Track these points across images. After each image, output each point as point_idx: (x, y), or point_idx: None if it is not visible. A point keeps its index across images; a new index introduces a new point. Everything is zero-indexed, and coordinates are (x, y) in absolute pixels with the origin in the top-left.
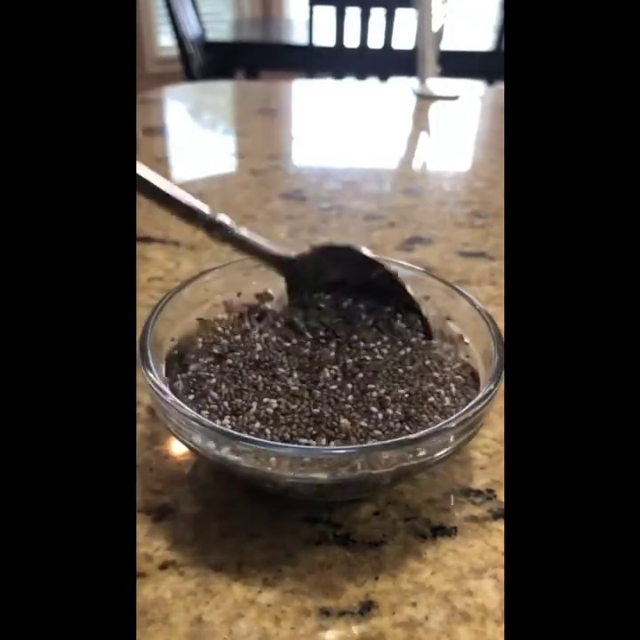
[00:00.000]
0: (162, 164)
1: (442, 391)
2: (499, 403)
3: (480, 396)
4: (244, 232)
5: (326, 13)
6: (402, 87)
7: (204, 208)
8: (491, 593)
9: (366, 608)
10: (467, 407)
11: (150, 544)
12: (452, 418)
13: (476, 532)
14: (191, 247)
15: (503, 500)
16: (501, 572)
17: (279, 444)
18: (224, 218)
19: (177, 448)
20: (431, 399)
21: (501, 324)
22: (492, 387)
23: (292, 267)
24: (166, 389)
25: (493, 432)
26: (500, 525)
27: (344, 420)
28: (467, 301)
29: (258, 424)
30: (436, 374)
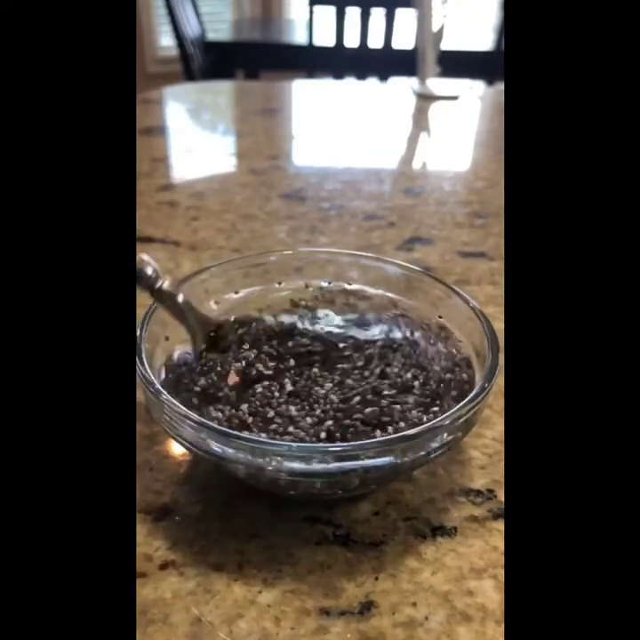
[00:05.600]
0: (162, 164)
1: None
2: (498, 403)
3: (473, 393)
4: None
5: (326, 13)
6: (402, 87)
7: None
8: (491, 593)
9: (366, 608)
10: (460, 405)
11: (150, 544)
12: (445, 415)
13: (475, 532)
14: (191, 247)
15: (503, 499)
16: (501, 572)
17: (271, 440)
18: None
19: (176, 448)
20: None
21: (501, 324)
22: (485, 385)
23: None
24: (159, 386)
25: (493, 432)
26: (500, 525)
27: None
28: (462, 301)
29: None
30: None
